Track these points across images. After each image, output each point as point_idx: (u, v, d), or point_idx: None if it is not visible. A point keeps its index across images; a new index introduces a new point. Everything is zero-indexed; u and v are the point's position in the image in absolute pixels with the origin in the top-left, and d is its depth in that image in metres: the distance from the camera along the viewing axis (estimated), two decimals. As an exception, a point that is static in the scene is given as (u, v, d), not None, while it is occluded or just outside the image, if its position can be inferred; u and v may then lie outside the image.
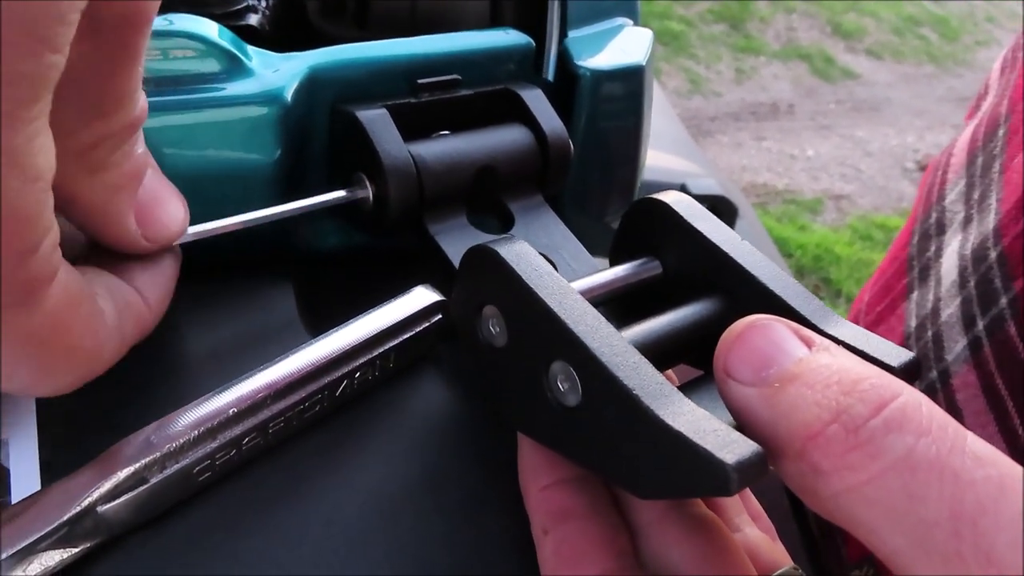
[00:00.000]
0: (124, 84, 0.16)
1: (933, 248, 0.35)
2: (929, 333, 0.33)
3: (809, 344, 0.16)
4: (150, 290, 0.19)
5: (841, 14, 2.83)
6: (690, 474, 0.16)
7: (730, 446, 0.15)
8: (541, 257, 0.19)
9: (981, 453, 0.14)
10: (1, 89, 0.12)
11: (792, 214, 1.94)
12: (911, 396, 0.15)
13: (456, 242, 0.24)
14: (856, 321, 0.40)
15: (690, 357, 0.21)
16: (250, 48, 0.23)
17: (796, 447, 0.15)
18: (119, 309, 0.18)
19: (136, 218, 0.18)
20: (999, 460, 0.14)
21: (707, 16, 2.66)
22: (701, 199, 0.78)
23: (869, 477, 0.14)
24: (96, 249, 0.19)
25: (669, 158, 0.91)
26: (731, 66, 2.47)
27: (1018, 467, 0.14)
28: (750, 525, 0.22)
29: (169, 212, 0.19)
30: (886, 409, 0.14)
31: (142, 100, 0.17)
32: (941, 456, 0.14)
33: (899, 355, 0.19)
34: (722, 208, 0.75)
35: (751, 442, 0.15)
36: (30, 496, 0.16)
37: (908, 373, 0.19)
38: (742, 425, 0.16)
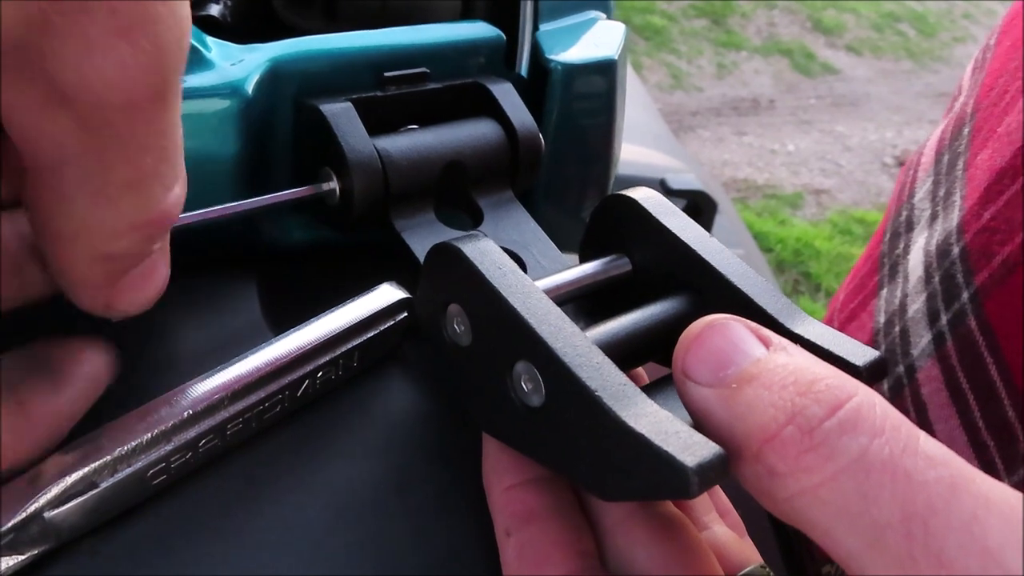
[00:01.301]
0: (132, 169, 0.14)
1: (902, 245, 0.35)
2: (897, 329, 0.33)
3: (767, 344, 0.16)
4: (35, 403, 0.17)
5: (821, 10, 2.84)
6: (651, 476, 0.15)
7: (691, 448, 0.15)
8: (506, 255, 0.19)
9: (933, 453, 0.14)
10: None
11: (772, 209, 1.95)
12: (866, 396, 0.15)
13: (423, 239, 0.23)
14: (831, 319, 0.40)
15: (657, 355, 0.21)
16: (210, 39, 0.22)
17: (753, 449, 0.15)
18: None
19: (113, 293, 0.16)
20: (951, 460, 0.14)
21: (689, 11, 2.66)
22: (681, 194, 0.79)
23: (823, 479, 0.14)
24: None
25: (649, 153, 0.91)
26: (712, 61, 2.47)
27: (969, 467, 0.14)
28: (718, 522, 0.22)
29: (148, 287, 0.16)
30: (841, 410, 0.14)
31: (176, 192, 0.15)
32: (894, 457, 0.14)
33: (864, 353, 0.19)
34: (701, 203, 0.75)
35: (712, 444, 0.15)
36: (-27, 502, 0.16)
37: (873, 371, 0.18)
38: (701, 426, 0.16)
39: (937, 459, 0.14)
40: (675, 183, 0.78)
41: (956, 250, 0.30)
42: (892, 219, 0.37)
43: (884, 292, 0.35)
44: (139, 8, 0.13)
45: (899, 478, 0.13)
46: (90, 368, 0.18)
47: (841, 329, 0.39)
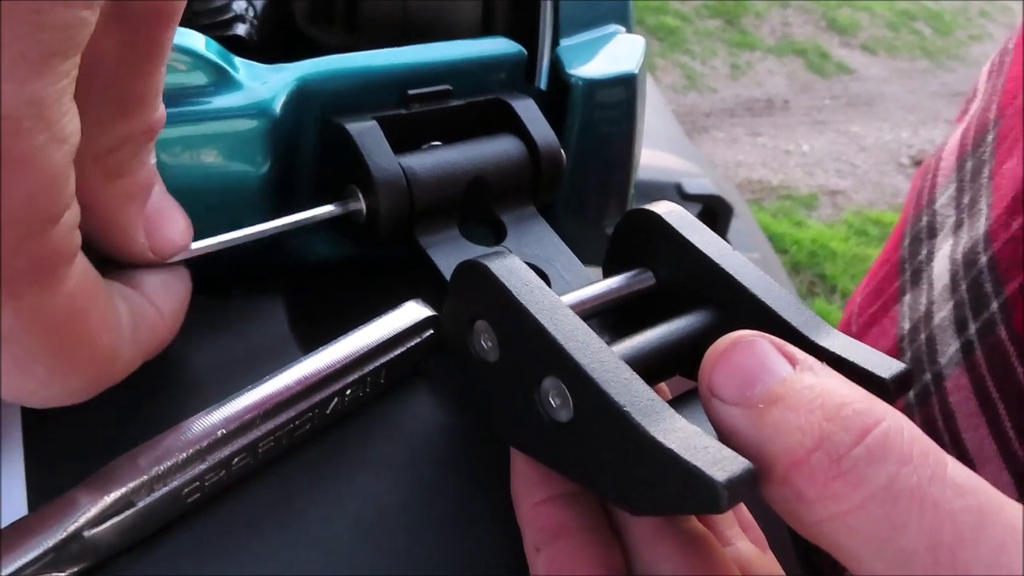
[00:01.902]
0: (148, 83, 0.16)
1: (924, 251, 0.35)
2: (922, 336, 0.33)
3: (793, 361, 0.16)
4: (164, 303, 0.19)
5: (836, 9, 2.83)
6: (681, 491, 0.15)
7: (721, 463, 0.15)
8: (532, 272, 0.19)
9: (961, 481, 0.14)
10: (32, 34, 0.12)
11: (787, 210, 1.94)
12: (893, 421, 0.15)
13: (448, 255, 0.24)
14: (849, 323, 0.40)
15: (683, 369, 0.21)
16: (238, 60, 0.23)
17: (780, 472, 0.15)
18: (134, 314, 0.18)
19: (146, 229, 0.18)
20: (979, 488, 0.14)
21: (703, 11, 2.66)
22: (696, 198, 0.79)
23: (851, 506, 0.14)
24: (108, 264, 0.19)
25: (664, 156, 0.91)
26: (726, 61, 2.46)
27: (997, 495, 0.14)
28: (741, 538, 0.22)
29: (174, 226, 0.19)
30: (868, 436, 0.14)
31: (161, 107, 0.17)
32: (921, 485, 0.14)
33: (890, 366, 0.19)
34: (717, 207, 0.75)
35: (742, 459, 0.15)
36: (16, 521, 0.16)
37: (899, 384, 0.18)
38: (727, 442, 0.16)
39: (965, 487, 0.14)
40: (691, 187, 0.78)
41: (984, 259, 0.30)
42: (911, 223, 0.37)
43: (907, 298, 0.35)
44: None
45: (927, 507, 0.14)
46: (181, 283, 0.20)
47: (861, 334, 0.38)
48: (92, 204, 0.17)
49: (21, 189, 0.13)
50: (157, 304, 0.19)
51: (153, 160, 0.18)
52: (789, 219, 1.90)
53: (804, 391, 0.15)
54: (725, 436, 0.16)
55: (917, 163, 2.19)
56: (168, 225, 0.19)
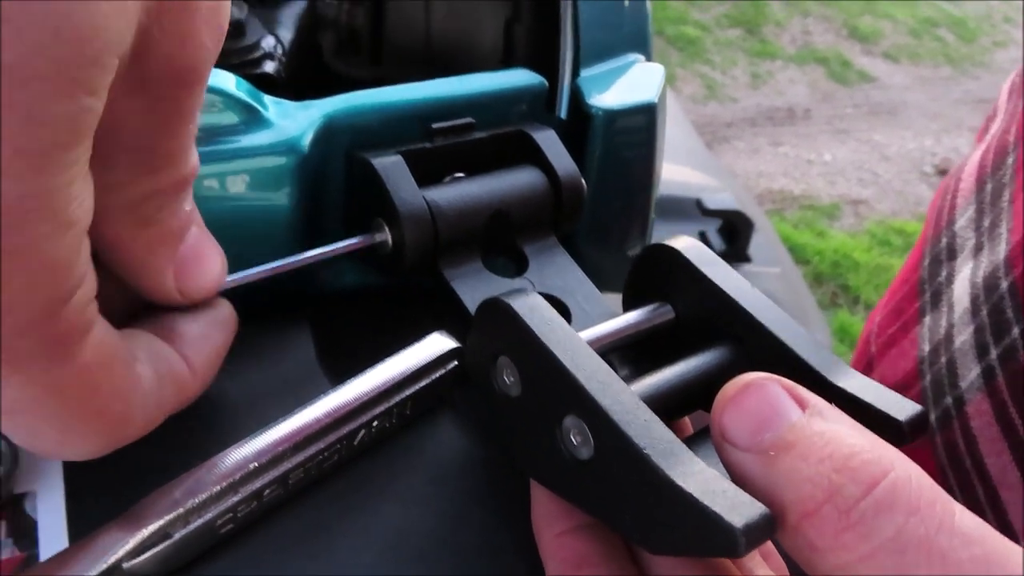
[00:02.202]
0: (175, 142, 0.16)
1: (944, 273, 0.35)
2: (943, 359, 0.33)
3: (803, 405, 0.16)
4: (198, 357, 0.19)
5: (857, 17, 2.81)
6: (699, 534, 0.16)
7: (739, 508, 0.15)
8: (554, 310, 0.20)
9: (968, 530, 0.14)
10: (30, 130, 0.12)
11: (809, 220, 1.93)
12: (902, 471, 0.15)
13: (470, 286, 0.24)
14: (868, 343, 0.40)
15: (702, 406, 0.21)
16: (267, 98, 0.23)
17: (792, 522, 0.15)
18: (160, 375, 0.18)
19: (175, 272, 0.18)
20: (987, 537, 0.14)
21: (723, 21, 2.65)
22: (717, 214, 0.78)
23: (861, 556, 0.14)
24: (150, 308, 0.19)
25: (684, 171, 0.91)
26: (747, 71, 2.46)
27: (1005, 543, 0.14)
28: (763, 567, 0.22)
29: (207, 268, 0.19)
30: (877, 488, 0.15)
31: (194, 158, 0.17)
32: (929, 535, 0.14)
33: (905, 408, 0.19)
34: (738, 223, 0.75)
35: (759, 504, 0.16)
36: (58, 554, 0.17)
37: (914, 426, 0.19)
38: (739, 484, 0.16)
39: (973, 536, 0.14)
40: (711, 203, 0.78)
41: (1004, 284, 0.30)
42: (931, 243, 0.37)
43: (927, 320, 0.35)
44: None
45: (934, 557, 0.14)
46: (228, 311, 0.21)
47: (880, 354, 0.38)
48: (121, 249, 0.17)
49: (21, 279, 0.13)
50: (189, 358, 0.19)
51: (188, 206, 0.18)
52: (811, 229, 1.89)
53: (814, 438, 0.16)
54: (738, 480, 0.17)
55: (941, 172, 2.17)
56: (200, 268, 0.19)
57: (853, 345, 1.54)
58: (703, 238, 0.82)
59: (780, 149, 2.17)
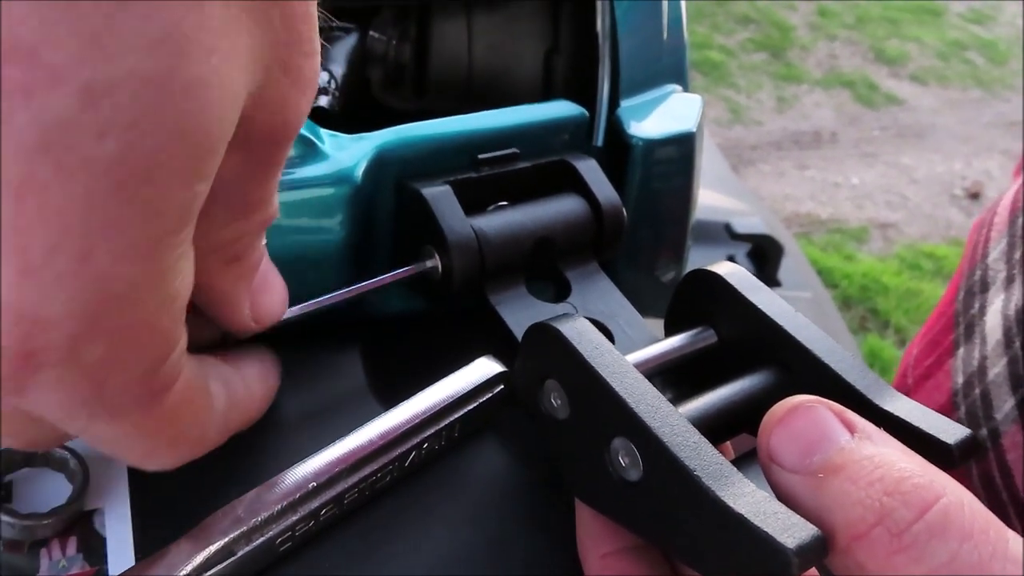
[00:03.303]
0: (266, 189, 0.17)
1: (977, 305, 0.35)
2: (977, 391, 0.33)
3: (852, 429, 0.17)
4: (257, 384, 0.20)
5: (884, 40, 2.80)
6: (752, 556, 0.16)
7: (791, 530, 0.16)
8: (601, 334, 0.20)
9: (1022, 557, 0.14)
10: (149, 221, 0.13)
11: (837, 243, 1.92)
12: (954, 496, 0.15)
13: (516, 311, 0.25)
14: (905, 375, 0.40)
15: (747, 429, 0.22)
16: (323, 132, 0.24)
17: (842, 544, 0.15)
18: (229, 398, 0.19)
19: (250, 302, 0.19)
20: None
21: (747, 45, 2.66)
22: (746, 238, 0.78)
23: None
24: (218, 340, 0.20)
25: (712, 195, 0.91)
26: (772, 95, 2.46)
27: None
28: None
29: (275, 297, 0.20)
30: (929, 513, 0.15)
31: (276, 201, 0.18)
32: (983, 562, 0.14)
33: (955, 432, 0.19)
34: (767, 247, 0.75)
35: (811, 526, 0.16)
36: (129, 570, 0.17)
37: (964, 450, 0.19)
38: (788, 504, 0.17)
39: None
40: (740, 227, 0.78)
41: None
42: (966, 277, 0.37)
43: (960, 352, 0.35)
44: (312, 68, 0.16)
45: None
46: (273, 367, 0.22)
47: (916, 386, 0.38)
48: (208, 286, 0.18)
49: (130, 350, 0.14)
50: (252, 388, 0.20)
51: (263, 242, 0.19)
52: (839, 253, 1.88)
53: (864, 462, 0.16)
54: (785, 501, 0.17)
55: (972, 195, 2.15)
56: (269, 296, 0.20)
57: (884, 370, 1.52)
58: (732, 262, 0.82)
59: (807, 172, 2.16)
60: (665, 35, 0.31)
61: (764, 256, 0.77)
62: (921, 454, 0.17)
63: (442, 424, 0.22)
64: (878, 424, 0.18)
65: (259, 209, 0.17)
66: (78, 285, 0.13)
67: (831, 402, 0.17)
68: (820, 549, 0.16)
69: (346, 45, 0.30)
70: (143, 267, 0.13)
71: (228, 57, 0.13)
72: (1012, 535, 0.15)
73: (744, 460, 0.20)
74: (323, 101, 0.28)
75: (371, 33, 0.32)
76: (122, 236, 0.13)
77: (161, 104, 0.12)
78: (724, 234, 0.79)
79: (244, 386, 0.20)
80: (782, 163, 2.19)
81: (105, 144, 0.12)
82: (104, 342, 0.13)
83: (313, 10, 0.16)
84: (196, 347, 0.20)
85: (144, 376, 0.15)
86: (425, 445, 0.22)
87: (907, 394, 0.39)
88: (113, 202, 0.12)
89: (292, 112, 0.16)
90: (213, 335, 0.21)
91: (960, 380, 0.35)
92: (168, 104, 0.12)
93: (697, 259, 0.35)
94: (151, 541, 0.19)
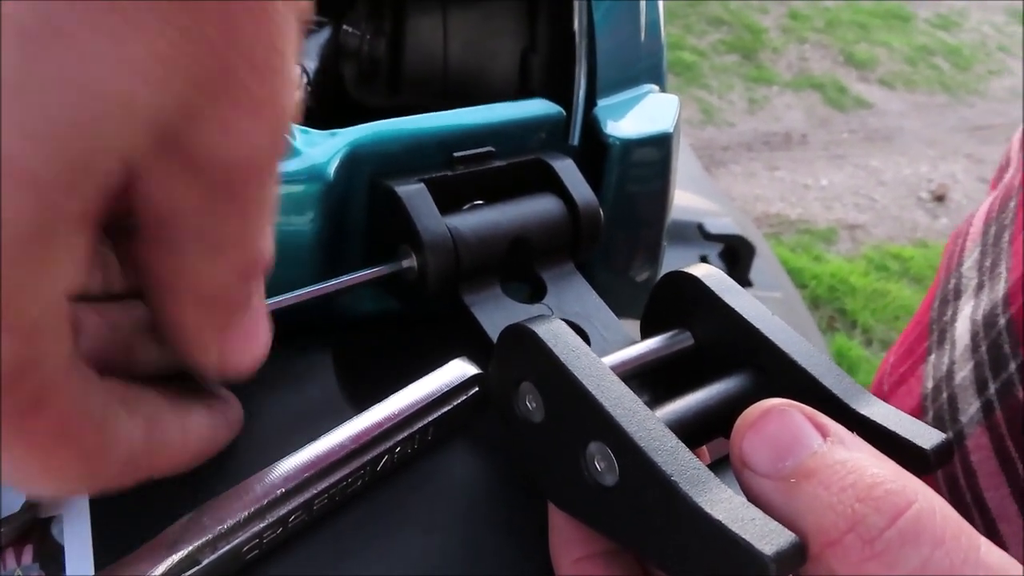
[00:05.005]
0: (241, 229, 0.16)
1: (950, 312, 0.36)
2: (944, 395, 0.34)
3: (824, 433, 0.17)
4: (198, 432, 0.19)
5: (853, 44, 2.84)
6: (729, 563, 0.16)
7: (768, 536, 0.16)
8: (577, 336, 0.20)
9: (993, 563, 0.14)
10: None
11: (806, 244, 1.94)
12: (926, 502, 0.15)
13: (491, 313, 0.24)
14: (881, 382, 0.40)
15: (723, 433, 0.21)
16: (295, 127, 0.24)
17: (814, 550, 0.15)
18: (150, 439, 0.17)
19: (221, 348, 0.17)
20: (1010, 569, 0.14)
21: (720, 46, 2.68)
22: (718, 238, 0.79)
23: None
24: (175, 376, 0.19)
25: (685, 195, 0.91)
26: (744, 96, 2.48)
27: None
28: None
29: (252, 348, 0.18)
30: (901, 519, 0.15)
31: (265, 245, 0.16)
32: (955, 568, 0.14)
33: (931, 437, 0.19)
34: (739, 248, 0.76)
35: (789, 532, 0.16)
36: (90, 579, 0.17)
37: (940, 454, 0.19)
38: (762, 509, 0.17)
39: (997, 569, 0.14)
40: (713, 227, 0.78)
41: (1002, 321, 0.30)
42: (941, 286, 0.38)
43: (932, 357, 0.36)
44: (268, 88, 0.14)
45: None
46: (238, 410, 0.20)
47: (891, 393, 0.39)
48: (173, 322, 0.17)
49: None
50: (189, 435, 0.18)
51: (259, 295, 0.17)
52: (808, 253, 1.90)
53: (836, 467, 0.16)
54: (757, 506, 0.17)
55: (937, 198, 2.19)
56: (245, 346, 0.18)
57: (851, 369, 1.54)
58: (704, 262, 0.83)
59: (777, 173, 2.19)
60: (643, 36, 0.30)
61: (736, 256, 0.77)
62: (896, 459, 0.17)
63: (415, 427, 0.21)
64: (853, 428, 0.17)
65: (234, 251, 0.16)
66: None
67: (803, 405, 0.17)
68: (798, 556, 0.16)
69: (318, 39, 0.29)
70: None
71: (113, 61, 0.12)
72: (984, 541, 0.15)
73: (721, 464, 0.20)
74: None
75: (345, 28, 0.32)
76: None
77: (12, 98, 0.11)
78: (697, 234, 0.80)
79: (180, 430, 0.18)
80: (753, 164, 2.21)
81: None
82: None
83: (277, 15, 0.14)
84: (145, 372, 0.19)
85: (8, 382, 0.13)
86: (398, 449, 0.21)
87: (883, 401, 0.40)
88: None
89: (242, 141, 0.14)
90: (171, 364, 0.19)
91: (930, 385, 0.35)
92: (25, 99, 0.11)
93: (670, 259, 0.35)
94: (111, 550, 0.18)
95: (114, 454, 0.16)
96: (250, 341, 0.18)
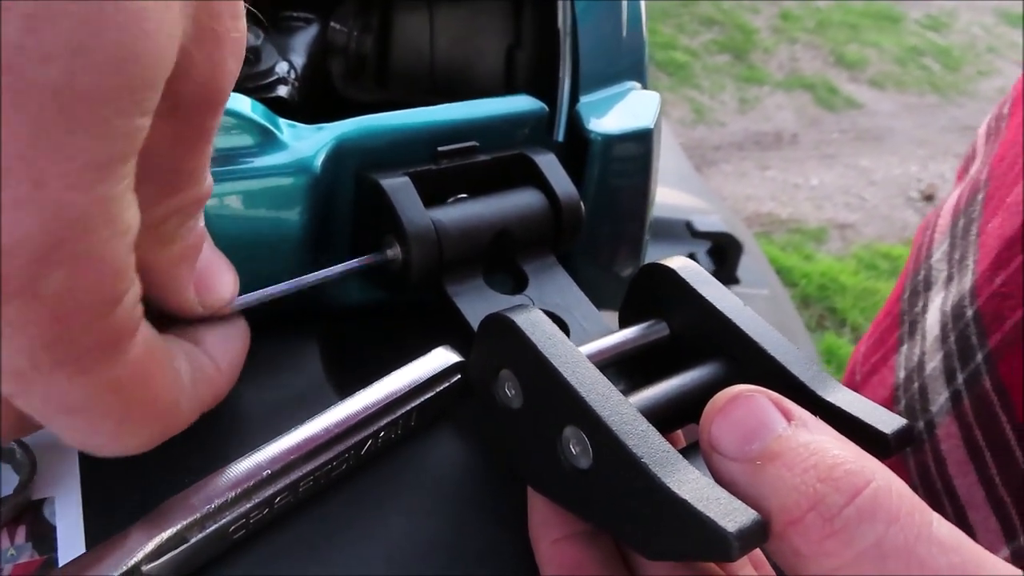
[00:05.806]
0: (196, 162, 0.17)
1: (920, 304, 0.37)
2: (915, 385, 0.35)
3: (789, 417, 0.17)
4: (222, 357, 0.20)
5: (844, 44, 2.86)
6: (694, 540, 0.17)
7: (732, 515, 0.16)
8: (555, 325, 0.21)
9: (945, 539, 0.15)
10: (98, 145, 0.13)
11: (797, 243, 1.95)
12: (883, 480, 0.16)
13: (473, 302, 0.25)
14: (853, 372, 0.41)
15: (695, 419, 0.22)
16: (281, 121, 0.24)
17: (778, 528, 0.16)
18: (195, 372, 0.19)
19: (195, 286, 0.19)
20: (962, 546, 0.15)
21: (711, 47, 2.69)
22: (706, 236, 0.80)
23: (843, 563, 0.15)
24: (167, 319, 0.20)
25: (674, 193, 0.92)
26: (735, 96, 2.49)
27: (980, 552, 0.15)
28: (752, 573, 0.23)
29: (222, 281, 0.20)
30: (859, 497, 0.16)
31: (209, 178, 0.18)
32: (908, 543, 0.15)
33: (892, 422, 0.20)
34: (727, 245, 0.77)
35: (752, 511, 0.16)
36: (81, 556, 0.17)
37: (900, 439, 0.20)
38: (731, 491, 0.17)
39: (949, 545, 0.15)
40: (701, 225, 0.79)
41: (970, 312, 0.31)
42: (911, 277, 0.39)
43: (904, 348, 0.37)
44: (241, 26, 0.16)
45: (913, 564, 0.15)
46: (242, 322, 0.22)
47: (863, 383, 0.40)
48: (147, 268, 0.18)
49: (88, 279, 0.14)
50: (216, 359, 0.20)
51: (201, 223, 0.19)
52: (798, 252, 1.91)
53: (799, 449, 0.17)
54: (725, 487, 0.17)
55: (927, 197, 2.20)
56: (216, 281, 0.20)
57: (840, 367, 1.55)
58: (692, 259, 0.84)
59: (767, 173, 2.20)
60: (624, 32, 0.31)
61: (724, 254, 0.78)
62: (860, 443, 0.18)
63: (398, 413, 0.22)
64: (819, 414, 0.18)
65: (190, 184, 0.17)
66: (34, 211, 0.13)
67: (769, 391, 0.18)
68: (760, 533, 0.16)
69: (306, 35, 0.30)
70: (93, 194, 0.14)
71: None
72: (936, 517, 0.16)
73: (692, 449, 0.21)
74: (282, 91, 0.27)
75: (332, 24, 0.32)
76: (71, 162, 0.13)
77: (101, 32, 0.13)
78: (685, 232, 0.81)
79: (209, 358, 0.20)
80: (744, 163, 2.22)
81: (49, 69, 0.12)
82: (62, 269, 0.14)
83: None
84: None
85: (102, 312, 0.15)
86: (381, 434, 0.22)
87: (855, 391, 0.41)
88: (61, 128, 0.13)
89: (220, 73, 0.16)
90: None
91: (902, 375, 0.36)
92: (108, 32, 0.13)
93: (658, 255, 0.36)
94: (102, 530, 0.19)
95: (185, 389, 0.18)
96: (218, 276, 0.20)
